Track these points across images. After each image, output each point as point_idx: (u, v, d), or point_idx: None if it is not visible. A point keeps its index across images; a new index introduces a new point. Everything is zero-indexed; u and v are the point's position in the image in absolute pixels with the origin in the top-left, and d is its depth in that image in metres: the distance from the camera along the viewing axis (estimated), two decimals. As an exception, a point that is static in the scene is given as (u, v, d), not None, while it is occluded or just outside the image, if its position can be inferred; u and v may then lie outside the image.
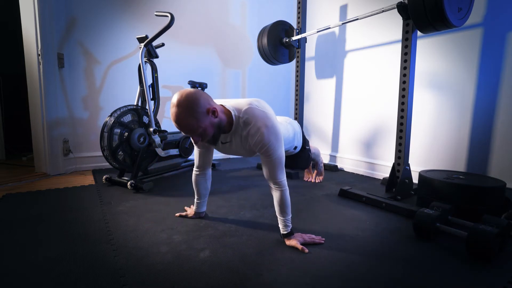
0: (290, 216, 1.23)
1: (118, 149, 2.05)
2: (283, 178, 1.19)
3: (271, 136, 1.10)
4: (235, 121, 1.13)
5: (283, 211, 1.21)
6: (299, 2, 2.62)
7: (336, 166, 2.81)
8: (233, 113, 1.12)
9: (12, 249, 1.16)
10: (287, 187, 1.21)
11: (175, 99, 1.03)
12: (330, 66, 2.99)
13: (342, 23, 2.18)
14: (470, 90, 1.93)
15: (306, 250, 1.16)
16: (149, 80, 2.27)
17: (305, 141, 1.69)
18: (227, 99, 1.21)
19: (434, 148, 2.14)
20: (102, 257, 1.10)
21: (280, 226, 1.23)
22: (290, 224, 1.23)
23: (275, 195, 1.21)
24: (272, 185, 1.21)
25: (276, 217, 1.25)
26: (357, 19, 2.04)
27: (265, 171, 1.20)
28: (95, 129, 2.68)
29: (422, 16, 1.54)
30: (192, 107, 1.02)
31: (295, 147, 1.62)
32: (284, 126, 1.44)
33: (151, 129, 2.15)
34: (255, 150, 1.16)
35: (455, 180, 1.54)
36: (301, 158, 1.73)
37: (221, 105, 1.15)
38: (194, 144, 1.24)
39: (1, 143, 3.05)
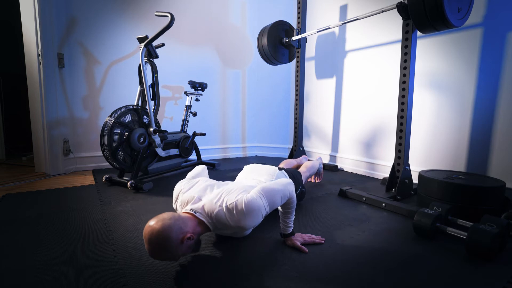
0: (294, 217, 1.23)
1: (118, 149, 2.05)
2: (286, 194, 1.16)
3: (252, 219, 1.06)
4: (212, 226, 1.10)
5: (287, 213, 1.21)
6: (299, 2, 2.62)
7: (336, 166, 2.82)
8: (205, 221, 1.08)
9: (12, 249, 1.16)
10: (294, 193, 1.20)
11: (146, 234, 0.93)
12: (330, 66, 2.99)
13: (342, 23, 2.18)
14: (470, 90, 1.93)
15: (306, 250, 1.16)
16: (149, 80, 2.27)
17: (296, 185, 1.60)
18: (200, 184, 1.23)
19: (434, 148, 2.14)
20: (102, 257, 1.10)
21: (282, 226, 1.23)
22: (292, 225, 1.23)
23: (283, 204, 1.20)
24: None
25: (276, 216, 1.25)
26: (357, 19, 2.04)
27: None
28: (95, 129, 2.68)
29: (422, 16, 1.54)
30: (164, 244, 0.93)
31: None
32: None
33: (151, 129, 2.15)
34: (251, 230, 1.19)
35: (455, 180, 1.54)
36: None
37: (191, 214, 1.08)
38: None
39: (1, 143, 3.05)
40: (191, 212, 1.09)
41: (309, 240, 1.23)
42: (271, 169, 1.61)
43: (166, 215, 0.97)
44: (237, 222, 1.05)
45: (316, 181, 2.28)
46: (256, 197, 1.08)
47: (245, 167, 1.69)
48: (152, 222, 0.95)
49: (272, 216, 1.53)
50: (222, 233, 1.23)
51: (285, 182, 1.19)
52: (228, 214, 1.06)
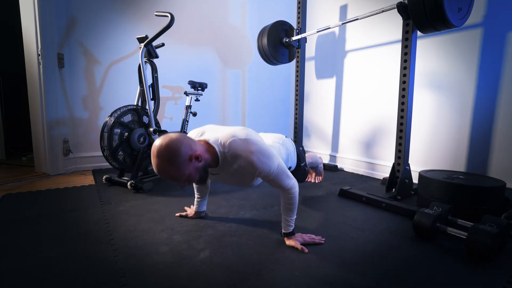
0: (295, 216, 1.23)
1: (118, 149, 2.05)
2: (291, 182, 1.18)
3: (262, 160, 1.08)
4: (221, 157, 1.09)
5: (289, 211, 1.21)
6: (299, 2, 2.62)
7: (336, 166, 2.81)
8: (217, 149, 1.08)
9: (12, 249, 1.16)
10: (297, 188, 1.20)
11: (155, 149, 0.97)
12: (330, 66, 2.99)
13: (342, 23, 2.18)
14: (470, 90, 1.93)
15: (306, 250, 1.16)
16: (149, 80, 2.27)
17: (299, 159, 1.65)
18: (212, 128, 1.18)
19: (434, 148, 2.14)
20: (102, 257, 1.10)
21: (283, 224, 1.23)
22: (293, 224, 1.23)
23: (284, 196, 1.20)
24: (281, 191, 1.20)
25: (276, 216, 1.25)
26: (357, 19, 2.04)
27: (271, 185, 1.18)
28: (95, 129, 2.68)
29: (422, 16, 1.54)
30: (173, 158, 0.96)
31: (289, 168, 1.61)
32: (277, 148, 1.40)
33: (151, 129, 2.15)
34: (254, 177, 1.13)
35: (455, 180, 1.54)
36: (296, 176, 1.72)
37: (205, 141, 1.10)
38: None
39: (1, 143, 3.05)
40: (204, 139, 1.11)
41: (309, 240, 1.23)
42: (278, 135, 1.61)
43: (175, 134, 1.00)
44: (250, 149, 1.06)
45: (317, 181, 2.28)
46: (273, 144, 1.19)
47: None
48: (162, 138, 0.98)
49: (272, 216, 1.53)
50: (226, 180, 1.20)
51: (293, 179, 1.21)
52: (242, 144, 1.07)
